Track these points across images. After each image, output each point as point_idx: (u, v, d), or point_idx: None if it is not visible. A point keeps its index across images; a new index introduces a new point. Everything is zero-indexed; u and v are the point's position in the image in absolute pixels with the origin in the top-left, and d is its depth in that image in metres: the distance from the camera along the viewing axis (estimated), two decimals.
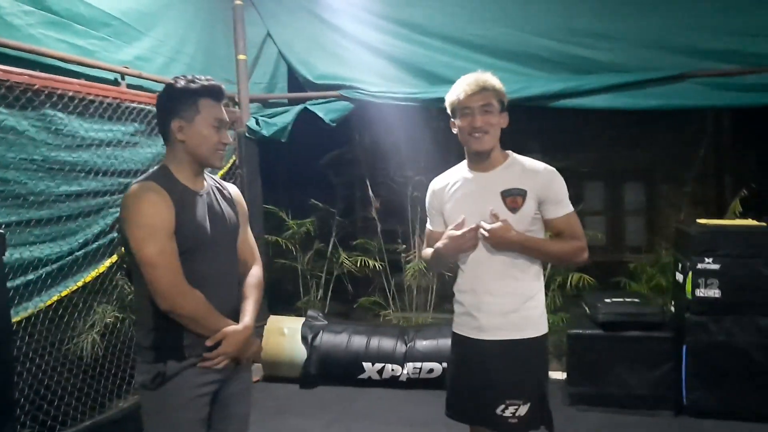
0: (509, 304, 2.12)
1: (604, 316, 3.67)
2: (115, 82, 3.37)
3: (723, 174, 5.85)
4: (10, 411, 2.59)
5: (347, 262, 5.41)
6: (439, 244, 2.15)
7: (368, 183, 5.51)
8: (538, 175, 2.12)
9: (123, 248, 2.86)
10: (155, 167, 1.93)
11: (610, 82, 3.99)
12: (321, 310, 5.19)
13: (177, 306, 1.79)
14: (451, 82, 4.17)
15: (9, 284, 2.64)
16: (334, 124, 4.52)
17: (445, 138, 5.38)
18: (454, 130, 2.19)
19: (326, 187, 5.70)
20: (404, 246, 5.51)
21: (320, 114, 4.47)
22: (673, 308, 4.01)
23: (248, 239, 2.16)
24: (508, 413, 2.11)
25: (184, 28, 4.05)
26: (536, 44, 4.16)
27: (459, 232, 2.09)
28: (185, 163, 1.90)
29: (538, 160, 2.20)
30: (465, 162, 2.24)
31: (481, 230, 2.07)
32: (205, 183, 1.97)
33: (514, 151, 2.23)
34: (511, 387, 2.12)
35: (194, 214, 1.87)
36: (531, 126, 4.87)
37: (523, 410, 2.11)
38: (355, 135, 5.60)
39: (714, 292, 3.48)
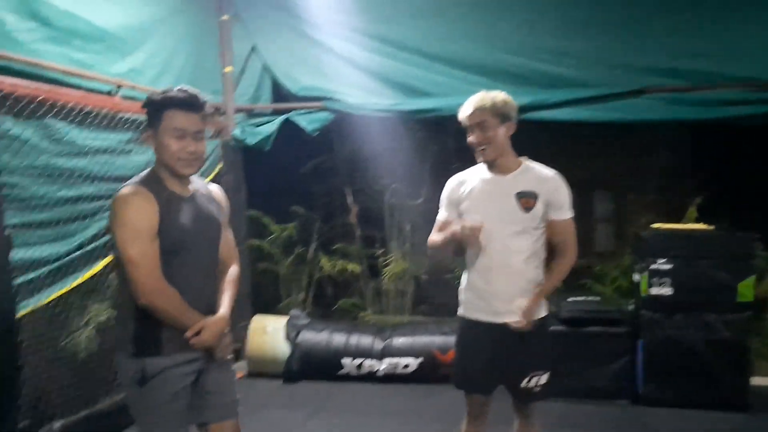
0: (521, 290, 2.40)
1: (567, 312, 3.96)
2: (111, 94, 3.58)
3: (683, 182, 6.19)
4: (12, 401, 2.78)
5: (327, 266, 5.65)
6: (455, 226, 2.40)
7: (347, 190, 5.76)
8: (548, 181, 2.43)
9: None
10: (146, 171, 2.06)
11: (574, 96, 4.28)
12: (302, 312, 5.41)
13: (153, 302, 1.93)
14: (426, 94, 4.58)
15: (15, 282, 2.84)
16: (316, 134, 4.76)
17: (421, 147, 5.67)
18: None
19: (307, 194, 5.92)
20: (382, 250, 5.76)
21: (302, 124, 4.71)
22: (631, 306, 4.30)
23: (228, 240, 2.27)
24: (532, 383, 2.45)
25: (175, 42, 4.26)
26: (505, 60, 4.44)
27: (471, 225, 2.33)
28: (164, 170, 2.02)
29: None
30: (483, 165, 2.51)
31: (513, 325, 2.36)
32: (191, 187, 2.09)
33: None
34: (532, 362, 2.45)
35: (178, 217, 1.99)
36: None
37: (543, 379, 2.47)
38: (335, 144, 5.83)
39: (666, 291, 3.79)
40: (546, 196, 2.41)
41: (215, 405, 2.17)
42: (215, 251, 2.17)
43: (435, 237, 2.58)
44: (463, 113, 2.42)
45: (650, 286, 3.83)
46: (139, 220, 1.90)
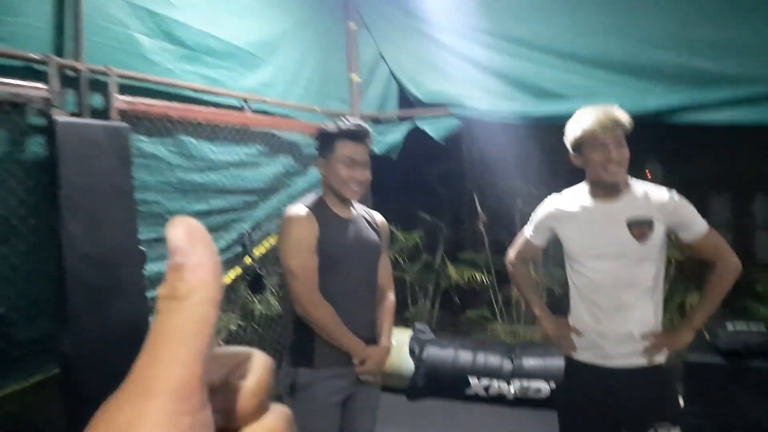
0: (635, 331, 2.11)
1: (726, 344, 3.48)
2: (240, 108, 3.63)
3: None
4: None
5: (454, 275, 5.46)
6: (550, 323, 2.36)
7: (476, 196, 5.54)
8: (664, 205, 2.10)
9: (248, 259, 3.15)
10: (312, 195, 2.23)
11: (738, 96, 3.75)
12: (429, 321, 5.29)
13: (308, 313, 2.09)
14: (560, 96, 4.25)
15: (148, 295, 2.94)
16: (444, 142, 4.59)
17: (553, 151, 5.31)
18: (576, 163, 2.19)
19: (434, 200, 5.78)
20: None
21: (429, 131, 4.56)
22: None
23: (386, 265, 2.41)
24: None
25: (302, 53, 4.27)
26: (651, 56, 3.96)
27: (568, 344, 2.23)
28: (330, 194, 2.22)
29: (656, 171, 2.19)
30: (584, 189, 2.23)
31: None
32: (353, 211, 2.28)
33: (630, 162, 2.21)
34: (654, 410, 2.11)
35: (337, 235, 2.16)
36: (645, 134, 4.65)
37: None
38: (463, 148, 5.64)
39: None
40: (666, 221, 2.09)
41: (357, 428, 2.26)
42: (373, 273, 2.29)
43: (517, 275, 2.52)
44: (602, 126, 2.05)
45: None
46: (300, 235, 2.10)
